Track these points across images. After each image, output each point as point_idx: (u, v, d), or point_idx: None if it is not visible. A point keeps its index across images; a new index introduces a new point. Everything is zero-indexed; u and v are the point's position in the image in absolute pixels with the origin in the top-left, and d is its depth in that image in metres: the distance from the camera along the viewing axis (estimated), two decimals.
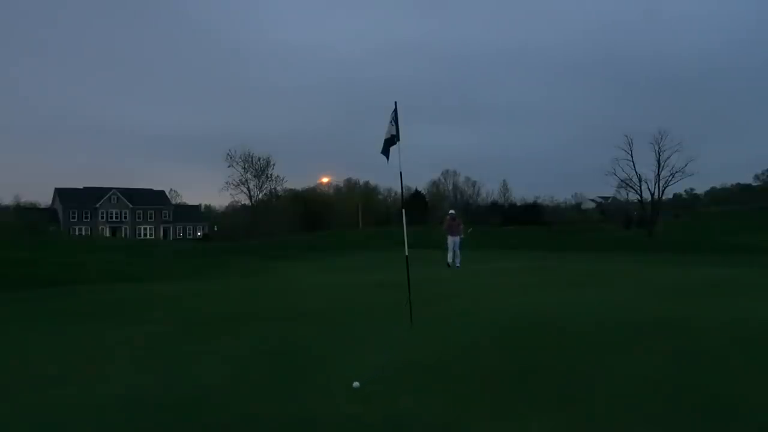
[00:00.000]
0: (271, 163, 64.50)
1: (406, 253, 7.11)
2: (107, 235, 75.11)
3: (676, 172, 65.89)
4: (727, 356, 5.33)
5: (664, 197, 70.72)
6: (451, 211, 19.42)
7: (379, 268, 18.08)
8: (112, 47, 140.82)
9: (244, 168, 63.40)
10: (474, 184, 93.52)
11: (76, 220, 78.37)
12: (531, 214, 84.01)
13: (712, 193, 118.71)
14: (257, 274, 18.07)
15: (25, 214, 63.76)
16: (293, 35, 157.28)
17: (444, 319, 7.54)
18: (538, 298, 10.02)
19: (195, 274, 17.51)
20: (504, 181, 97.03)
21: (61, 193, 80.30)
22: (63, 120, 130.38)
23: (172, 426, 3.80)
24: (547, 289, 11.53)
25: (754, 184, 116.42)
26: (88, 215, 79.27)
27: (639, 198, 70.93)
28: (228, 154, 63.15)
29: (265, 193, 65.12)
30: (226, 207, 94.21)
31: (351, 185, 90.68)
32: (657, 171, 67.40)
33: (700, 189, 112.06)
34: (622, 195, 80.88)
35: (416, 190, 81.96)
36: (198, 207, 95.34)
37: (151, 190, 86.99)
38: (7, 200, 75.46)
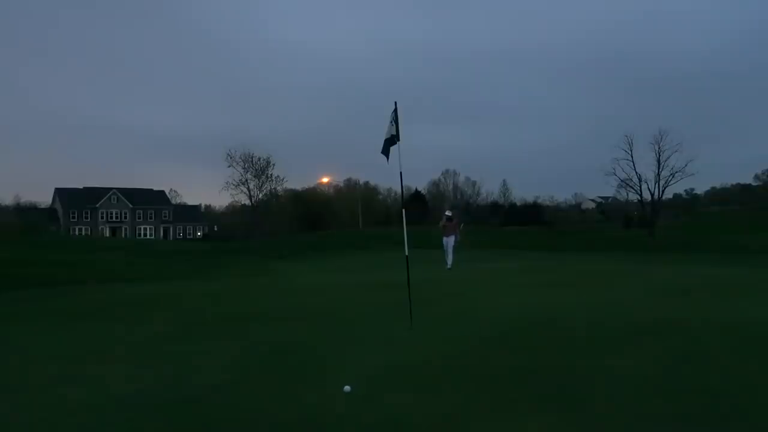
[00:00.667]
0: (271, 163, 64.47)
1: (406, 253, 7.11)
2: (107, 235, 75.09)
3: (676, 172, 65.89)
4: (728, 357, 5.33)
5: (664, 197, 70.71)
6: (447, 212, 19.12)
7: (379, 269, 18.08)
8: (112, 47, 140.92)
9: (244, 168, 63.38)
10: (474, 184, 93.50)
11: (76, 220, 78.34)
12: (531, 214, 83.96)
13: (712, 192, 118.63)
14: (257, 274, 18.06)
15: (24, 214, 63.73)
16: (293, 35, 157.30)
17: (444, 319, 7.54)
18: (538, 298, 10.01)
19: (195, 274, 17.51)
20: (504, 180, 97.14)
21: (61, 193, 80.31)
22: (63, 120, 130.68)
23: (173, 426, 3.80)
24: (547, 289, 11.53)
25: (754, 183, 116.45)
26: (88, 215, 79.24)
27: (639, 198, 70.89)
28: (228, 154, 63.10)
29: (265, 194, 65.04)
30: (226, 207, 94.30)
31: (351, 185, 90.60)
32: (657, 171, 67.38)
33: (700, 189, 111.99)
34: (622, 195, 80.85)
35: (416, 190, 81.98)
36: (198, 207, 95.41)
37: (151, 190, 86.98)
38: (7, 200, 75.46)
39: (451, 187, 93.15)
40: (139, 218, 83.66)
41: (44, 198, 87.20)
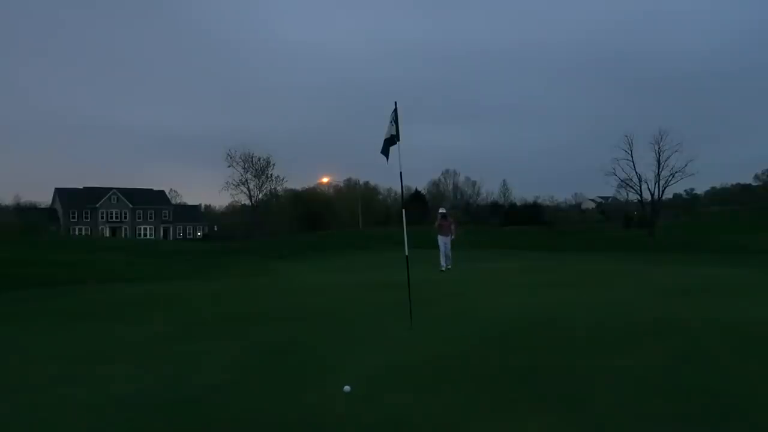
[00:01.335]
0: (271, 163, 64.51)
1: (406, 253, 7.11)
2: (107, 235, 75.02)
3: (676, 172, 65.97)
4: (728, 357, 5.33)
5: (664, 197, 70.76)
6: (441, 210, 18.35)
7: (379, 268, 18.05)
8: (113, 47, 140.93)
9: (244, 168, 63.41)
10: (474, 184, 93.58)
11: (76, 220, 78.28)
12: (531, 214, 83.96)
13: (712, 193, 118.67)
14: (258, 274, 18.06)
15: (24, 214, 63.69)
16: (293, 34, 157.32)
17: (444, 319, 7.54)
18: (539, 298, 10.01)
19: (195, 274, 17.50)
20: (504, 180, 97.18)
21: (61, 193, 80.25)
22: (63, 119, 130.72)
23: (173, 426, 3.80)
24: (547, 289, 11.52)
25: (754, 184, 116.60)
26: (88, 215, 79.17)
27: (639, 198, 70.96)
28: (228, 154, 63.13)
29: (265, 194, 65.07)
30: (226, 207, 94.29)
31: (351, 185, 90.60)
32: (657, 171, 67.44)
33: (700, 189, 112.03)
34: (622, 195, 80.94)
35: (416, 190, 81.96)
36: (198, 207, 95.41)
37: (151, 190, 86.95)
38: (7, 200, 75.41)
39: (451, 187, 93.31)
40: (139, 218, 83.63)
41: (44, 198, 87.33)
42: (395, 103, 6.93)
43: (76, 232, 73.09)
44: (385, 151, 7.17)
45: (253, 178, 63.71)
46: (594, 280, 13.22)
